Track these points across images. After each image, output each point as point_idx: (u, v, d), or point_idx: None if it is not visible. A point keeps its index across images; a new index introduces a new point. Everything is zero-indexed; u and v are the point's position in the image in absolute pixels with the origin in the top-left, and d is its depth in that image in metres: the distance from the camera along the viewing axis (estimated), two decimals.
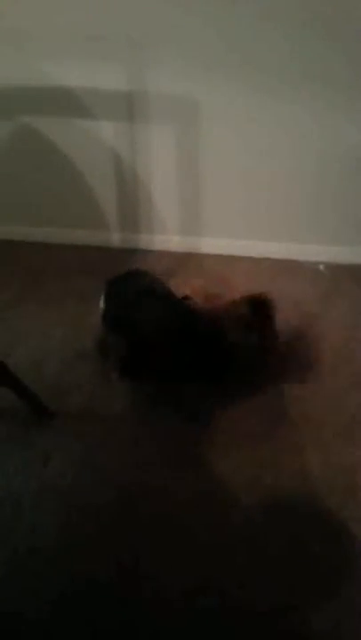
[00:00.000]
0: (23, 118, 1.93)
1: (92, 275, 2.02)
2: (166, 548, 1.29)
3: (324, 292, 2.04)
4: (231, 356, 1.55)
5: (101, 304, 1.60)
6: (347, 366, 1.75)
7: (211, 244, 2.18)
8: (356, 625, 1.18)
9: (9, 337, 1.81)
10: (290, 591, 1.22)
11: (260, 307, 1.57)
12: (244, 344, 1.54)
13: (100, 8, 1.64)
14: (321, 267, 2.17)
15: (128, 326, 1.56)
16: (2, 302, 1.96)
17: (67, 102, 1.85)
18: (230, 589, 1.22)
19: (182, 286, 1.75)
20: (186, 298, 1.67)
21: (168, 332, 1.54)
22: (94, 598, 1.20)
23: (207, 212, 2.13)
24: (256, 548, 1.30)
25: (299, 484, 1.43)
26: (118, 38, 1.68)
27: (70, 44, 1.71)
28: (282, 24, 1.62)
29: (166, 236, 2.19)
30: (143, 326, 1.53)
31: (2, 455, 1.48)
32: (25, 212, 2.20)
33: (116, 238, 2.21)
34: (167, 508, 1.37)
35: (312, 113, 1.80)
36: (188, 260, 2.14)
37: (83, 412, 1.60)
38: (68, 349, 1.78)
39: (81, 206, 2.15)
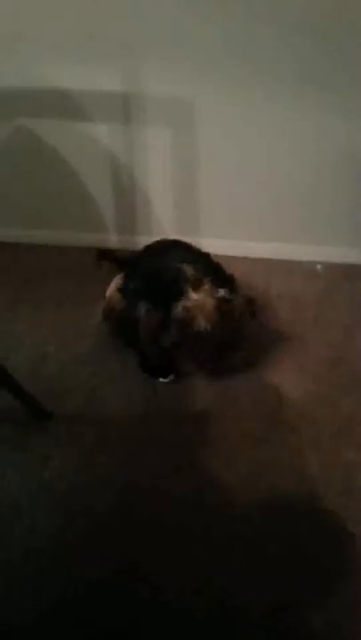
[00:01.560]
0: (19, 120, 1.93)
1: (89, 277, 2.02)
2: (165, 549, 1.29)
3: (322, 292, 2.04)
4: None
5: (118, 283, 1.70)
6: (344, 366, 1.75)
7: (208, 245, 2.16)
8: (355, 625, 1.18)
9: (7, 339, 1.81)
10: (289, 591, 1.22)
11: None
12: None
13: (96, 10, 1.64)
14: (318, 267, 2.18)
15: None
16: None
17: (63, 104, 1.85)
18: (229, 589, 1.22)
19: None
20: None
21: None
22: (93, 599, 1.20)
23: (204, 213, 2.13)
24: (255, 548, 1.30)
25: (297, 485, 1.44)
26: (114, 40, 1.69)
27: (66, 45, 1.71)
28: (277, 26, 1.63)
29: (163, 237, 2.19)
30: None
31: (0, 457, 1.48)
32: (22, 214, 2.20)
33: (113, 240, 2.21)
34: (166, 508, 1.37)
35: (308, 114, 1.81)
36: None
37: (81, 414, 1.60)
38: (65, 351, 1.78)
39: (78, 208, 2.15)
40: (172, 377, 1.70)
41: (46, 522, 1.34)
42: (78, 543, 1.31)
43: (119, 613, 1.18)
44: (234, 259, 2.14)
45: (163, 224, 2.17)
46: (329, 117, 1.81)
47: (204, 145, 1.92)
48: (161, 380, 1.70)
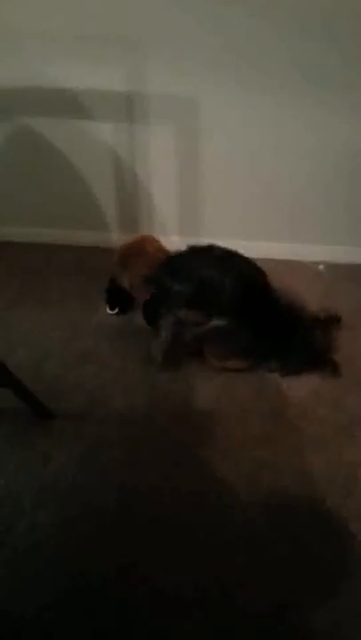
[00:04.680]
0: (22, 119, 1.93)
1: (91, 275, 2.03)
2: (166, 548, 1.29)
3: (324, 292, 2.04)
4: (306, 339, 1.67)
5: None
6: (346, 366, 1.75)
7: None
8: (356, 624, 1.18)
9: (9, 337, 1.81)
10: (290, 591, 1.22)
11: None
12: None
13: (99, 8, 1.64)
14: (321, 266, 2.18)
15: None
16: (2, 303, 1.96)
17: (66, 103, 1.85)
18: (230, 589, 1.22)
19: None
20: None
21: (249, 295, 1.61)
22: (94, 598, 1.20)
23: (206, 213, 2.13)
24: (256, 547, 1.30)
25: (298, 484, 1.44)
26: (117, 39, 1.68)
27: (69, 44, 1.71)
28: (280, 25, 1.62)
29: (166, 236, 2.18)
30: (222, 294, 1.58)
31: (2, 455, 1.49)
32: (25, 212, 2.20)
33: (115, 239, 2.21)
34: (167, 508, 1.37)
35: (310, 113, 1.80)
36: None
37: (82, 413, 1.60)
38: (67, 350, 1.78)
39: (81, 207, 2.15)
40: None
41: (48, 520, 1.34)
42: (79, 542, 1.31)
43: (119, 612, 1.18)
44: None
45: (165, 223, 2.17)
46: (331, 117, 1.80)
47: (206, 144, 1.92)
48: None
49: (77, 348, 1.79)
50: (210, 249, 1.70)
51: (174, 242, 2.18)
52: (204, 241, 2.16)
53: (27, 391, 1.49)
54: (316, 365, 1.71)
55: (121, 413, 1.60)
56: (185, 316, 1.63)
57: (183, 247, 2.10)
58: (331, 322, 1.77)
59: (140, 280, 1.70)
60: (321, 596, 1.22)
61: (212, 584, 1.23)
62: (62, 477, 1.43)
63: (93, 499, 1.39)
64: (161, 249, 1.86)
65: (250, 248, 2.16)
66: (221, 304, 1.59)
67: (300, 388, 1.68)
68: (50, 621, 1.17)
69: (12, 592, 1.22)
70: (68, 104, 1.85)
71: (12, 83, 1.82)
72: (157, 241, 1.88)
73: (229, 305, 1.58)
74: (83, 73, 1.77)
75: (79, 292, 1.98)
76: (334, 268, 2.15)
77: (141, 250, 1.80)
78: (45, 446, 1.50)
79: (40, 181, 2.09)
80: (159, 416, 1.60)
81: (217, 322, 1.61)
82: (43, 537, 1.31)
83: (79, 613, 1.19)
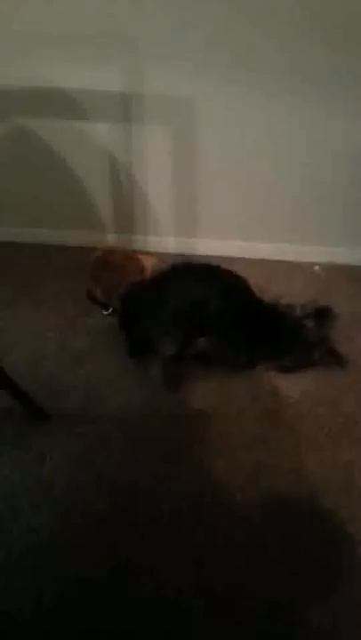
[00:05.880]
0: (18, 119, 1.93)
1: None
2: (164, 549, 1.29)
3: (320, 293, 2.04)
4: (296, 333, 1.72)
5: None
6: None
7: (206, 246, 2.18)
8: (354, 623, 1.18)
9: (5, 338, 1.80)
10: (289, 591, 1.22)
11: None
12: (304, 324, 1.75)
13: (97, 8, 1.64)
14: (316, 267, 2.18)
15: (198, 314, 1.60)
16: None
17: (62, 104, 1.85)
18: (229, 589, 1.22)
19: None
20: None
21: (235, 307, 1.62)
22: (91, 598, 1.20)
23: (202, 214, 2.13)
24: (254, 547, 1.30)
25: (296, 484, 1.44)
26: (115, 39, 1.68)
27: (66, 44, 1.71)
28: (277, 26, 1.63)
29: (162, 237, 2.19)
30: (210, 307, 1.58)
31: None
32: (20, 213, 2.19)
33: (111, 240, 2.21)
34: (165, 508, 1.37)
35: (307, 114, 1.81)
36: None
37: (78, 413, 1.59)
38: (64, 350, 1.77)
39: (76, 207, 2.15)
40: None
41: (44, 520, 1.33)
42: (77, 542, 1.30)
43: (118, 613, 1.17)
44: (232, 259, 2.14)
45: (161, 224, 2.17)
46: (329, 117, 1.81)
47: (202, 145, 1.92)
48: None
49: (74, 348, 1.78)
50: (188, 267, 1.65)
51: (171, 242, 2.19)
52: (201, 242, 2.19)
53: (22, 392, 1.48)
54: (313, 358, 1.73)
55: (118, 414, 1.59)
56: (178, 340, 1.64)
57: (172, 247, 2.12)
58: (322, 313, 1.80)
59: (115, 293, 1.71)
60: (320, 596, 1.22)
61: (212, 584, 1.22)
62: (58, 478, 1.42)
63: (90, 499, 1.38)
64: (129, 257, 1.83)
65: (245, 249, 2.18)
66: (209, 321, 1.60)
67: (297, 388, 1.68)
68: (49, 621, 1.16)
69: (11, 592, 1.21)
70: (65, 104, 1.85)
71: (8, 82, 1.81)
72: (125, 249, 1.88)
73: (217, 322, 1.60)
74: (79, 73, 1.76)
75: (75, 293, 1.97)
76: (330, 269, 2.16)
77: (109, 261, 1.78)
78: (41, 446, 1.49)
79: (36, 181, 2.09)
80: (155, 416, 1.59)
81: (207, 340, 1.64)
82: (39, 537, 1.30)
83: (76, 613, 1.18)
